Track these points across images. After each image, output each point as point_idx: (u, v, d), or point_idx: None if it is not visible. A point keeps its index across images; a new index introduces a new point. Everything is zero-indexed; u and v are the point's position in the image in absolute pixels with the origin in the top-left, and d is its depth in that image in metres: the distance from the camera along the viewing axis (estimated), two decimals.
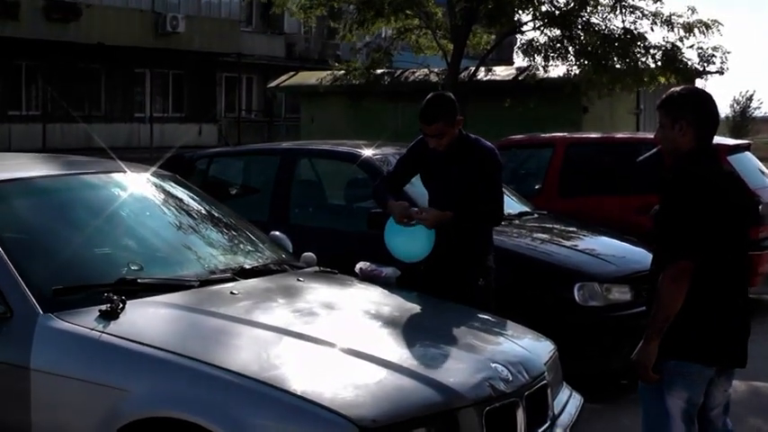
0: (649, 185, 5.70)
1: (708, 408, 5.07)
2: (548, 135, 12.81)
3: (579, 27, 17.96)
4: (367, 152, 9.13)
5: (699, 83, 23.62)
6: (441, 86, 19.00)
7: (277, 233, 6.66)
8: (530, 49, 18.52)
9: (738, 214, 5.04)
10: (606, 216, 9.55)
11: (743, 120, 55.84)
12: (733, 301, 4.99)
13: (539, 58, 18.68)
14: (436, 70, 20.97)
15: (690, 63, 18.28)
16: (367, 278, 6.19)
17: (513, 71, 22.12)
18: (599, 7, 17.88)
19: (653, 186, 5.45)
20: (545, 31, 18.42)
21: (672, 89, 5.28)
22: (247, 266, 5.89)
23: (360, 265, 6.32)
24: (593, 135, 13.61)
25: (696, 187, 4.85)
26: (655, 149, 5.56)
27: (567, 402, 5.42)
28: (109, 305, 4.78)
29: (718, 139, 12.70)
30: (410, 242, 6.31)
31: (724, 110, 58.86)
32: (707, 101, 5.10)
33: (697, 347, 4.84)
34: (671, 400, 4.87)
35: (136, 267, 5.34)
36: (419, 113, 6.58)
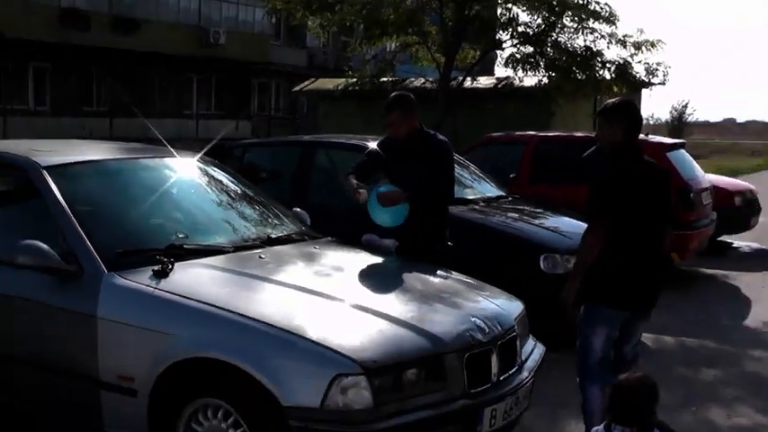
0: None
1: (623, 342, 5.51)
2: (521, 133, 12.82)
3: (549, 45, 17.97)
4: (372, 144, 9.09)
5: (645, 92, 23.68)
6: (435, 93, 19.00)
7: (298, 209, 6.67)
8: (510, 62, 18.55)
9: (649, 193, 5.37)
10: (566, 199, 9.54)
11: (679, 124, 55.92)
12: (645, 262, 5.34)
13: (518, 70, 18.74)
14: (431, 79, 20.95)
15: (638, 75, 18.34)
16: (371, 247, 6.20)
17: (494, 81, 22.11)
18: (565, 29, 17.90)
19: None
20: (521, 48, 18.41)
21: (607, 101, 5.75)
22: (273, 236, 5.90)
23: (365, 237, 6.33)
24: (558, 134, 13.60)
25: (618, 173, 5.30)
26: (595, 146, 5.85)
27: (533, 351, 5.44)
28: (160, 266, 4.83)
29: (659, 139, 12.84)
30: (386, 215, 6.30)
31: (664, 115, 59.09)
32: (633, 108, 5.56)
33: (615, 296, 5.26)
34: (594, 335, 5.32)
35: (183, 235, 5.36)
36: (386, 106, 6.67)
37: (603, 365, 5.39)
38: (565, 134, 13.46)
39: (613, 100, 5.73)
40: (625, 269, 5.25)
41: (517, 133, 13.01)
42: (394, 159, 6.65)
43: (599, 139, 5.74)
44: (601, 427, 3.83)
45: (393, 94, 6.77)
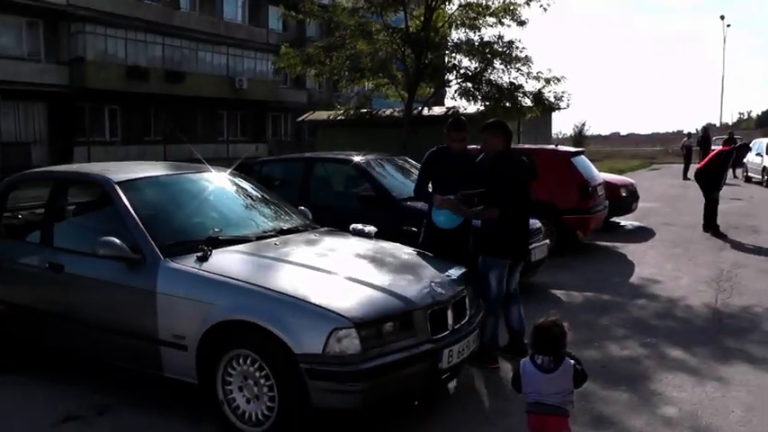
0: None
1: (508, 283, 6.02)
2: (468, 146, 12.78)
3: (483, 82, 17.95)
4: (356, 158, 9.10)
5: (554, 115, 23.72)
6: (401, 120, 18.99)
7: (302, 208, 6.61)
8: (457, 94, 18.57)
9: (522, 182, 5.86)
10: None
11: (580, 137, 56.09)
12: (519, 228, 5.90)
13: (461, 101, 18.79)
14: (398, 109, 20.95)
15: (549, 101, 18.35)
16: (357, 233, 6.16)
17: (445, 109, 22.03)
18: (495, 70, 17.90)
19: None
20: (463, 84, 18.39)
21: (487, 121, 6.18)
22: (284, 228, 5.86)
23: (352, 226, 6.29)
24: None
25: (505, 170, 5.76)
26: (482, 155, 6.08)
27: (478, 305, 5.43)
28: (202, 252, 4.82)
29: (566, 148, 12.86)
30: (450, 220, 6.14)
31: (569, 131, 59.43)
32: (506, 125, 5.98)
33: (502, 250, 5.83)
34: (491, 274, 5.83)
35: (218, 229, 5.31)
36: (451, 125, 6.29)
37: (498, 302, 5.90)
38: None
39: (490, 120, 6.13)
40: (507, 233, 5.80)
41: None
42: (445, 165, 6.32)
43: (484, 150, 6.01)
44: (527, 358, 3.80)
45: (460, 117, 6.44)
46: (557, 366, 3.68)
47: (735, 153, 13.58)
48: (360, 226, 6.25)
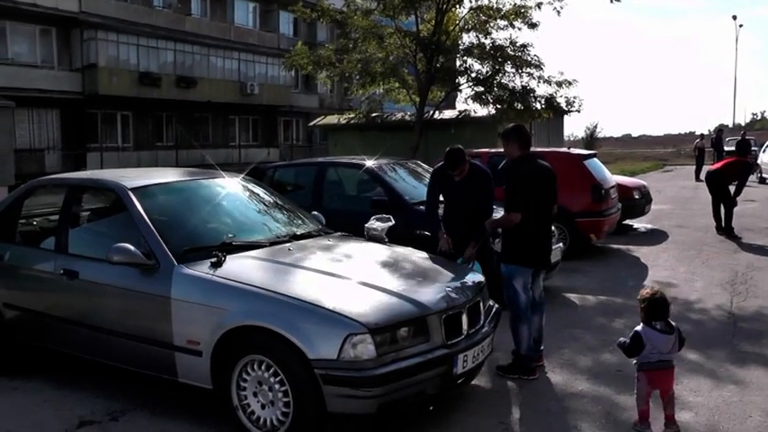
0: None
1: (532, 290, 5.95)
2: (478, 150, 12.76)
3: (495, 86, 17.91)
4: (369, 163, 9.08)
5: (566, 117, 23.62)
6: (412, 123, 18.99)
7: (316, 213, 6.62)
8: (469, 98, 18.57)
9: (543, 189, 5.78)
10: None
11: (591, 139, 55.87)
12: (541, 236, 5.84)
13: (473, 104, 18.76)
14: (409, 113, 20.95)
15: (560, 105, 18.29)
16: (371, 238, 6.16)
17: (456, 112, 22.01)
18: (506, 74, 17.85)
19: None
20: (474, 88, 18.36)
21: (505, 127, 6.20)
22: (298, 233, 5.86)
23: (372, 219, 6.32)
24: (502, 149, 13.52)
25: (522, 176, 5.70)
26: (506, 159, 6.11)
27: (492, 309, 5.42)
28: (216, 258, 4.82)
29: (579, 151, 12.83)
30: None
31: (580, 133, 59.26)
32: (522, 129, 5.95)
33: (526, 258, 5.78)
34: (516, 282, 5.76)
35: (232, 235, 5.31)
36: (448, 163, 6.38)
37: (527, 308, 5.80)
38: None
39: (508, 126, 6.10)
40: (530, 240, 5.74)
41: (474, 150, 12.96)
42: (449, 185, 6.55)
43: (506, 155, 6.03)
44: (642, 327, 4.49)
45: (455, 151, 6.40)
46: (672, 329, 4.48)
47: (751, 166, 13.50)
48: (376, 224, 6.25)
